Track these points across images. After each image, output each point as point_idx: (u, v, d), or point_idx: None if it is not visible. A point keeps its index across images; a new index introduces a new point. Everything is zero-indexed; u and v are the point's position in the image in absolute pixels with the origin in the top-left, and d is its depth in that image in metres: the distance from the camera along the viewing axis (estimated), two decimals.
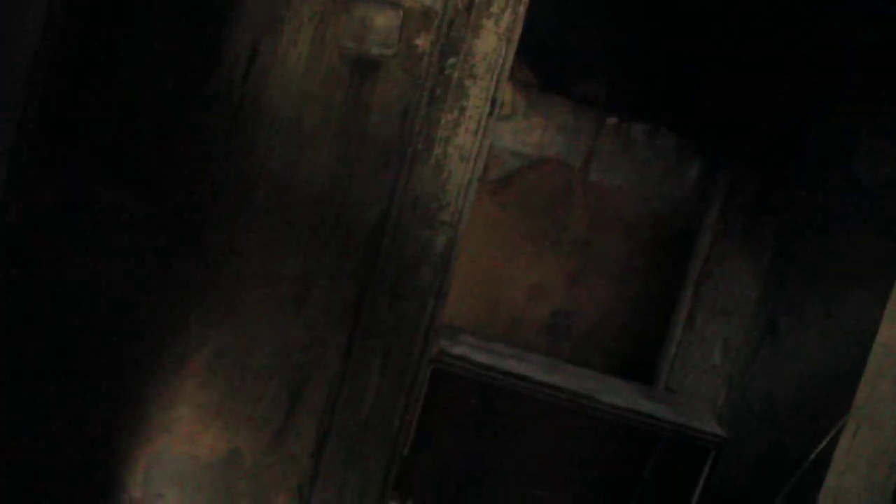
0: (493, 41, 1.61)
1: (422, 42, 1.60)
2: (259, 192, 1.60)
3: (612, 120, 3.71)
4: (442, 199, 1.59)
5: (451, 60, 1.59)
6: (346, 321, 1.60)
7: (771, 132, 3.58)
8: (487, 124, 1.63)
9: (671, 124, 3.72)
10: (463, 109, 1.60)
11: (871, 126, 3.34)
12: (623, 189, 3.69)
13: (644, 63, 3.67)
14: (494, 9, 1.62)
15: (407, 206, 1.59)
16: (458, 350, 3.03)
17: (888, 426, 1.89)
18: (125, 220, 1.61)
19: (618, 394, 3.16)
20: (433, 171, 1.59)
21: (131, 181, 1.60)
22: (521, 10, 1.67)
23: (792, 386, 3.36)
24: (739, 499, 3.23)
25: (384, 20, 1.60)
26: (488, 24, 1.62)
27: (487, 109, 1.62)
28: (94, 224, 1.61)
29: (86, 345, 1.62)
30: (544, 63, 3.62)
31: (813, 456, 2.84)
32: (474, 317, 3.55)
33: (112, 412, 1.63)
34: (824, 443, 2.56)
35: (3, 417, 1.57)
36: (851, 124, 3.41)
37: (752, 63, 3.58)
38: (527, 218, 3.58)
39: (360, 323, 1.60)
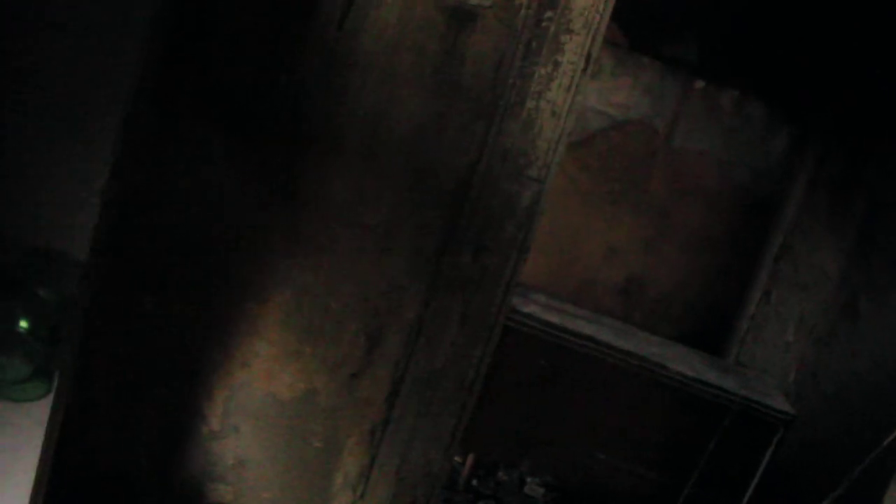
0: None
1: None
2: (349, 138, 1.61)
3: (699, 84, 3.61)
4: (531, 154, 1.58)
5: (549, 14, 1.55)
6: (427, 270, 1.61)
7: (863, 104, 3.42)
8: (581, 81, 1.60)
9: (760, 92, 3.60)
10: (557, 64, 1.57)
11: None
12: (707, 156, 3.60)
13: (735, 27, 3.54)
14: None
15: (496, 159, 1.58)
16: (528, 308, 3.03)
17: None
18: (220, 160, 1.64)
19: (688, 363, 3.12)
20: (524, 126, 1.57)
21: (229, 123, 1.62)
22: None
23: (868, 370, 3.26)
24: (804, 478, 3.18)
25: None
26: None
27: (582, 65, 1.59)
28: (191, 162, 1.64)
29: (182, 275, 1.66)
30: (634, 22, 3.52)
31: (886, 443, 2.76)
32: (547, 275, 3.54)
33: (199, 343, 1.67)
34: None
35: (109, 331, 1.63)
36: None
37: (846, 31, 3.42)
38: (607, 179, 3.53)
39: (441, 273, 1.60)
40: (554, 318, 3.03)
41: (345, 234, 1.61)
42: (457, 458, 3.10)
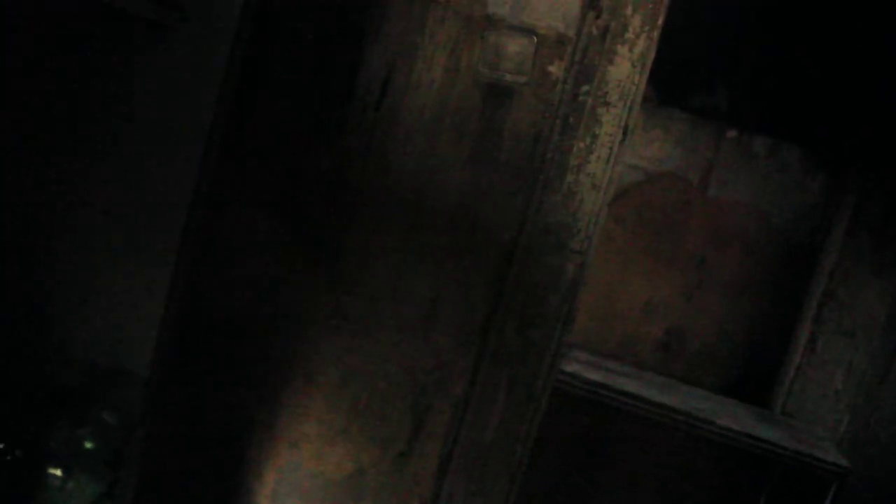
0: (627, 68, 1.59)
1: (555, 69, 1.59)
2: (391, 216, 1.63)
3: (732, 133, 3.60)
4: (573, 226, 1.58)
5: (585, 88, 1.57)
6: (472, 345, 1.61)
7: None
8: (619, 152, 1.61)
9: (794, 137, 3.59)
10: (595, 137, 1.59)
11: None
12: (742, 204, 3.58)
13: (766, 75, 3.55)
14: (629, 35, 1.60)
15: (537, 233, 1.59)
16: (570, 367, 3.01)
17: None
18: (265, 241, 1.67)
19: (733, 416, 3.07)
20: (564, 199, 1.58)
21: (273, 207, 1.66)
22: (656, 34, 1.64)
23: None
24: None
25: (518, 47, 1.60)
26: (622, 50, 1.60)
27: (619, 137, 1.60)
28: (240, 243, 1.67)
29: (231, 359, 1.69)
30: (663, 76, 3.54)
31: None
32: (587, 331, 3.52)
33: (247, 425, 1.68)
34: None
35: (167, 409, 1.65)
36: None
37: (879, 74, 3.41)
38: (643, 233, 3.52)
39: (486, 347, 1.61)
40: (595, 376, 3.01)
41: (389, 311, 1.62)
42: None
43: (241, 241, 1.62)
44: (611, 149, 1.59)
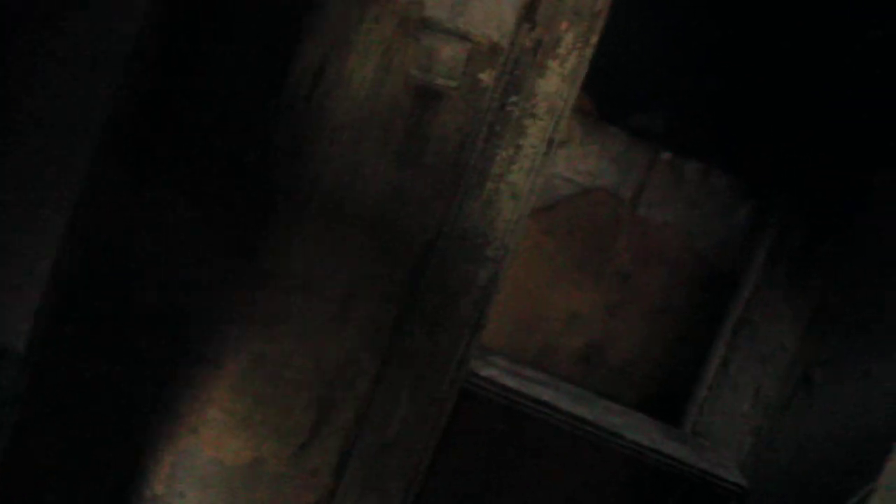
0: (557, 82, 1.61)
1: (486, 77, 1.61)
2: (312, 210, 1.63)
3: (666, 155, 3.68)
4: (489, 234, 1.60)
5: (513, 98, 1.60)
6: (381, 344, 1.62)
7: (826, 179, 3.52)
8: (542, 164, 1.64)
9: (724, 165, 3.68)
10: (519, 148, 1.61)
11: None
12: (670, 225, 3.66)
13: (700, 101, 3.64)
14: (561, 50, 1.63)
15: (454, 238, 1.60)
16: (487, 372, 3.03)
17: None
18: (179, 229, 1.65)
19: (643, 432, 3.14)
20: (483, 206, 1.60)
21: (191, 192, 1.64)
22: (588, 52, 1.67)
23: (823, 442, 3.31)
24: None
25: (451, 52, 1.61)
26: (553, 64, 1.62)
27: (544, 149, 1.63)
28: (156, 225, 1.65)
29: (132, 337, 1.66)
30: (603, 92, 3.61)
31: None
32: (508, 339, 3.55)
33: (145, 407, 1.66)
34: None
35: (59, 389, 1.61)
36: None
37: (810, 108, 3.53)
38: (571, 245, 3.58)
39: (395, 347, 1.61)
40: (512, 383, 3.04)
41: (301, 304, 1.62)
42: None
43: (151, 228, 1.60)
44: (534, 160, 1.62)
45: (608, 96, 3.62)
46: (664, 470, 3.06)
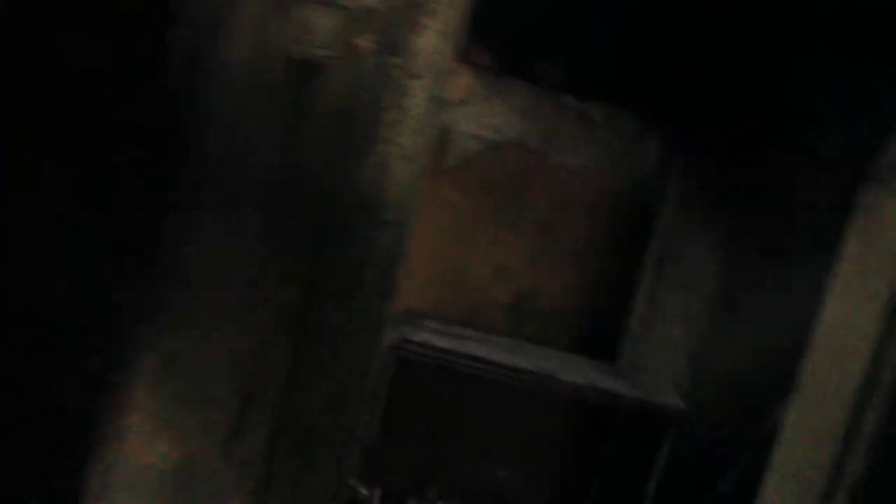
0: (434, 39, 1.61)
1: (363, 42, 1.59)
2: (206, 198, 1.60)
3: (571, 101, 3.71)
4: (385, 199, 1.60)
5: (393, 60, 1.58)
6: (293, 324, 1.61)
7: (729, 108, 3.59)
8: (430, 122, 1.63)
9: (630, 104, 3.73)
10: (405, 109, 1.60)
11: (829, 98, 3.39)
12: (583, 169, 3.70)
13: (602, 43, 3.66)
14: (435, 5, 1.62)
15: (351, 207, 1.59)
16: (420, 336, 3.05)
17: (831, 402, 1.93)
18: (73, 227, 1.60)
19: (579, 372, 3.21)
20: (376, 171, 1.59)
21: (80, 192, 1.59)
22: (463, 3, 1.66)
23: (750, 359, 3.42)
24: (703, 473, 3.30)
25: (324, 21, 1.59)
26: (429, 21, 1.61)
27: (430, 108, 1.62)
28: (44, 232, 1.60)
29: (39, 353, 1.61)
30: (502, 45, 3.60)
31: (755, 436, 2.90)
32: (438, 301, 3.57)
33: (64, 418, 1.62)
34: (771, 421, 2.61)
35: None
36: (809, 98, 3.45)
37: (709, 40, 3.58)
38: (488, 201, 3.59)
39: (308, 325, 1.61)
40: (445, 343, 3.07)
41: (207, 295, 1.60)
42: (364, 492, 3.09)
43: (38, 234, 1.55)
44: (422, 120, 1.61)
45: (508, 49, 3.62)
46: (603, 404, 3.14)
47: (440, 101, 1.63)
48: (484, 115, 3.54)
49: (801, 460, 2.02)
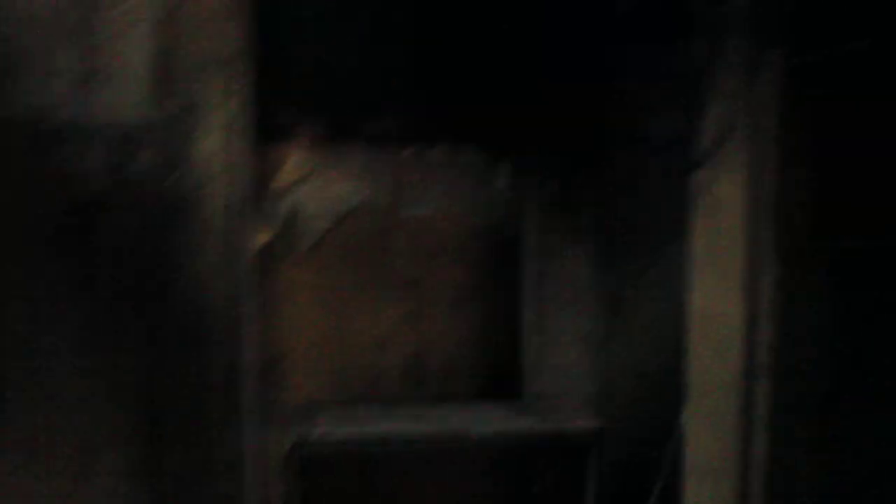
0: (218, 138, 1.51)
1: (143, 160, 1.48)
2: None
3: (409, 151, 3.66)
4: (208, 308, 1.48)
5: (177, 173, 1.47)
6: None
7: (565, 122, 3.62)
8: (241, 218, 1.53)
9: (470, 141, 3.72)
10: (205, 219, 1.49)
11: (654, 91, 3.45)
12: (438, 215, 3.65)
13: (431, 90, 3.63)
14: (212, 109, 1.52)
15: (171, 325, 1.46)
16: (319, 430, 2.89)
17: (722, 392, 1.90)
18: None
19: (487, 421, 3.11)
20: (193, 285, 1.47)
21: None
22: (243, 94, 1.58)
23: (650, 360, 3.40)
24: (633, 486, 3.25)
25: (97, 150, 1.47)
26: (209, 123, 1.52)
27: (231, 205, 1.52)
28: None
29: None
30: (332, 113, 3.52)
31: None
32: (331, 384, 3.41)
33: None
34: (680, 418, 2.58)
35: None
36: (639, 94, 3.51)
37: (534, 66, 3.61)
38: (353, 273, 3.48)
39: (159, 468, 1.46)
40: (346, 430, 2.92)
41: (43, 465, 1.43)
42: None
43: None
44: (229, 216, 1.50)
45: (339, 115, 3.54)
46: (517, 446, 3.05)
47: (244, 199, 1.53)
48: (327, 188, 3.45)
49: (711, 453, 1.98)
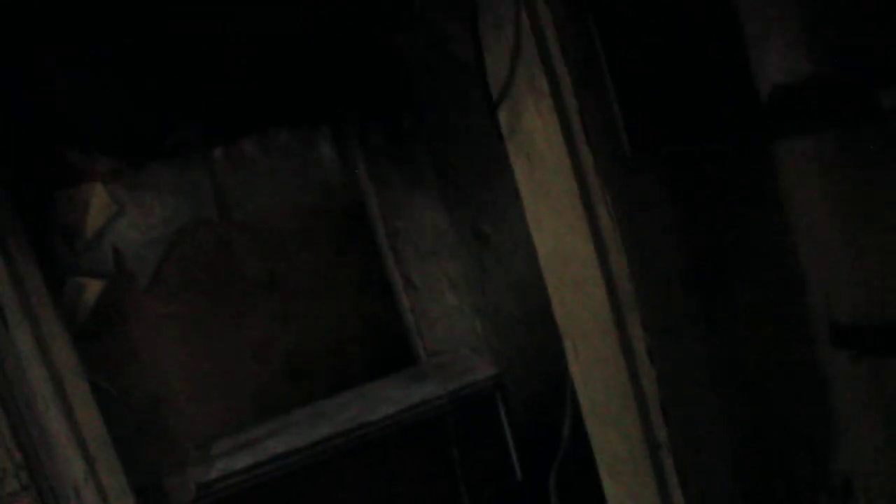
0: None
1: None
2: None
3: (218, 152, 3.39)
4: None
5: None
6: None
7: (368, 75, 3.42)
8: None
9: (280, 123, 3.49)
10: None
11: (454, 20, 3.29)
12: (275, 206, 3.44)
13: (215, 95, 3.32)
14: None
15: None
16: (219, 466, 2.72)
17: (596, 334, 1.83)
18: None
19: (387, 399, 2.99)
20: None
21: None
22: None
23: (525, 300, 3.29)
24: (545, 431, 3.21)
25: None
26: None
27: None
28: None
29: None
30: (126, 140, 3.21)
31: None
32: (221, 413, 3.22)
33: None
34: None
35: None
36: (440, 24, 3.35)
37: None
38: (208, 289, 3.25)
39: None
40: (247, 459, 2.76)
41: None
42: None
43: None
44: None
45: (135, 144, 3.24)
46: (430, 415, 2.96)
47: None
48: (145, 215, 3.17)
49: (602, 392, 1.93)
